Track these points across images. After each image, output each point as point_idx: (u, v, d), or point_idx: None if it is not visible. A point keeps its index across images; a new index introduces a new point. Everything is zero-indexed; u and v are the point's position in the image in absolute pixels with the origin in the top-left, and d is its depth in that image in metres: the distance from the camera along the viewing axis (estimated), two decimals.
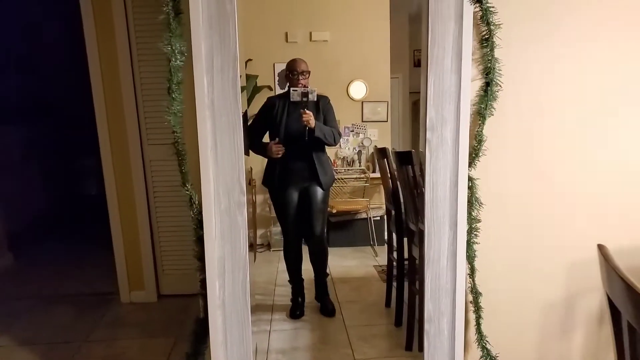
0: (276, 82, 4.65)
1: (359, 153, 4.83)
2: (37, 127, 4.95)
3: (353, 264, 4.11)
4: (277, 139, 2.82)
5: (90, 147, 3.71)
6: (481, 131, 1.63)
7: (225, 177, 1.58)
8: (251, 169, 4.20)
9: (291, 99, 2.72)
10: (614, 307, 0.90)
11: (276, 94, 4.55)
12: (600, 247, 0.91)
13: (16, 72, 4.55)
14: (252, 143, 2.92)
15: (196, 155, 1.57)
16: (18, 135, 4.51)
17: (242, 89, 2.99)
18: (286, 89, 2.91)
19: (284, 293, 3.38)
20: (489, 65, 1.58)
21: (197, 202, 1.61)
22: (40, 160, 4.96)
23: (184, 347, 2.61)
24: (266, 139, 2.98)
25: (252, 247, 4.21)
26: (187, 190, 1.61)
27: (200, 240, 1.63)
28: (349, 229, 4.60)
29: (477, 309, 1.76)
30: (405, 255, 2.78)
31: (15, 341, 2.80)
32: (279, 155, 2.80)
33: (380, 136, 4.90)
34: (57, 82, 5.30)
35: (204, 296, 1.69)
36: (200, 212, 1.61)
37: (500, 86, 1.61)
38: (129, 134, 3.09)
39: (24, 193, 4.54)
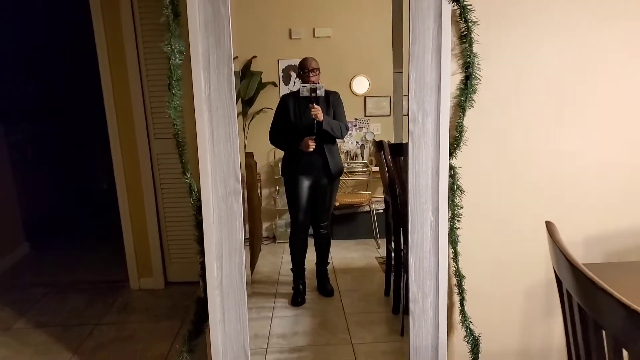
0: (280, 78, 4.76)
1: (362, 147, 4.92)
2: (51, 124, 5.13)
3: (355, 256, 4.22)
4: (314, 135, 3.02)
5: (101, 142, 3.87)
6: (462, 122, 1.72)
7: (221, 166, 1.70)
8: (256, 163, 4.32)
9: (300, 94, 2.93)
10: (559, 279, 1.00)
11: (281, 90, 4.68)
12: (548, 224, 1.01)
13: (30, 72, 4.72)
14: (276, 140, 3.20)
15: (195, 147, 1.69)
16: (33, 133, 4.68)
17: (245, 86, 3.12)
18: (291, 84, 3.13)
19: (286, 282, 3.50)
20: (468, 60, 1.67)
21: (196, 190, 1.74)
22: (55, 156, 5.14)
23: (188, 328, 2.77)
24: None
25: (250, 238, 4.34)
26: (187, 179, 1.73)
27: (199, 225, 1.75)
28: (352, 222, 4.70)
29: (461, 291, 1.86)
30: (402, 244, 2.88)
31: (32, 324, 2.97)
32: (311, 149, 3.01)
33: (383, 130, 4.98)
34: (68, 81, 5.48)
35: (204, 278, 1.81)
36: (199, 199, 1.73)
37: (480, 80, 1.71)
38: (136, 129, 3.23)
39: (39, 187, 4.72)
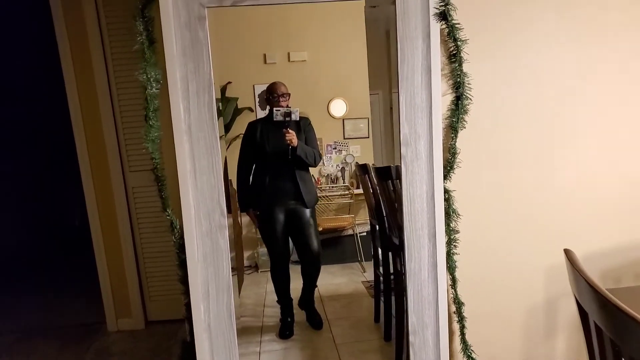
0: (257, 104, 4.68)
1: (342, 170, 4.85)
2: (19, 160, 4.92)
3: (342, 281, 4.11)
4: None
5: (72, 177, 3.70)
6: (454, 144, 1.67)
7: (205, 200, 1.59)
8: (235, 191, 4.20)
9: (274, 119, 2.77)
10: (582, 309, 0.93)
11: (257, 115, 4.59)
12: (567, 252, 0.95)
13: None
14: (241, 178, 3.04)
15: (175, 180, 1.59)
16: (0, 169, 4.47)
17: (220, 113, 3.02)
18: (266, 111, 2.97)
19: (272, 314, 3.36)
20: (459, 80, 1.63)
21: (178, 227, 1.62)
22: (23, 191, 4.91)
23: None
24: None
25: (239, 269, 4.19)
26: (168, 215, 1.62)
27: (182, 264, 1.63)
28: (336, 246, 4.60)
29: (461, 319, 1.78)
30: (391, 269, 2.80)
31: None
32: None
33: (363, 152, 4.93)
34: (35, 113, 5.28)
35: (190, 320, 1.68)
36: (182, 237, 1.62)
37: (471, 99, 1.66)
38: (110, 162, 3.09)
39: (5, 224, 4.48)
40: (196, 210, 1.59)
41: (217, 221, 1.60)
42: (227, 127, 4.39)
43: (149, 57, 1.49)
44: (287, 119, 2.74)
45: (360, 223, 4.65)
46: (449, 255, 1.72)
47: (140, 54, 1.50)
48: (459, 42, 1.60)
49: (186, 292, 1.65)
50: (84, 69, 2.98)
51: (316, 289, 3.26)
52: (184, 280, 1.65)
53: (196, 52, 1.51)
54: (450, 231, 1.70)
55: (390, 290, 2.86)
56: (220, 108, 4.18)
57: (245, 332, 3.16)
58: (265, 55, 4.69)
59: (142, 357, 2.88)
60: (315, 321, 3.12)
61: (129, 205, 3.16)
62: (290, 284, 3.16)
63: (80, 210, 3.27)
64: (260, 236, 4.47)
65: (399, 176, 2.22)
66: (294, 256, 3.14)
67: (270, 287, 3.33)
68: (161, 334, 3.15)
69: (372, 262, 4.38)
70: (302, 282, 3.18)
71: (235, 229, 3.67)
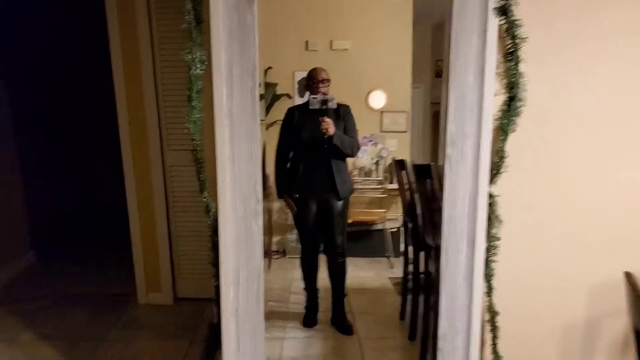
0: (295, 90, 4.66)
1: (377, 163, 4.79)
2: (63, 133, 5.07)
3: (369, 275, 4.08)
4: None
5: (111, 152, 3.78)
6: (503, 147, 1.59)
7: (241, 185, 1.58)
8: (269, 176, 4.21)
9: (310, 107, 2.71)
10: None
11: (295, 102, 4.57)
12: (628, 275, 0.88)
13: (40, 80, 4.66)
14: (279, 164, 3.00)
15: (214, 163, 1.57)
16: (44, 140, 4.61)
17: (261, 97, 3.00)
18: (305, 97, 2.90)
19: (298, 301, 3.37)
20: (513, 80, 1.54)
21: (213, 210, 1.62)
22: (65, 165, 5.06)
23: (198, 350, 2.63)
24: None
25: (267, 253, 4.21)
26: (205, 198, 1.61)
27: (215, 247, 1.63)
28: (365, 240, 4.57)
29: (494, 329, 1.72)
30: (421, 268, 2.75)
31: (36, 336, 2.86)
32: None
33: (399, 147, 4.86)
34: (80, 89, 5.42)
35: (218, 303, 1.68)
36: (216, 220, 1.61)
37: (524, 101, 1.58)
38: (149, 140, 3.13)
39: (48, 195, 4.63)
40: (232, 195, 1.58)
41: (253, 207, 1.59)
42: (265, 113, 4.39)
43: (195, 37, 1.47)
44: (324, 106, 2.67)
45: (391, 218, 4.59)
46: (487, 262, 1.65)
47: (187, 33, 1.48)
48: (517, 40, 1.52)
49: (216, 276, 1.65)
50: (131, 46, 3.01)
51: (347, 295, 3.15)
52: (216, 263, 1.64)
53: (243, 35, 1.48)
54: (490, 237, 1.63)
55: (419, 289, 2.81)
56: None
57: (270, 316, 3.18)
58: (307, 42, 4.65)
59: (170, 332, 2.94)
60: (343, 327, 3.01)
61: (165, 183, 3.20)
62: (319, 274, 3.14)
63: (119, 184, 3.33)
64: (290, 222, 4.50)
65: (438, 175, 2.16)
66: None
67: (297, 273, 3.33)
68: (189, 311, 3.20)
69: (400, 259, 4.34)
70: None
71: (265, 214, 3.67)
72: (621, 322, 1.80)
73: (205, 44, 1.49)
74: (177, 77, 2.92)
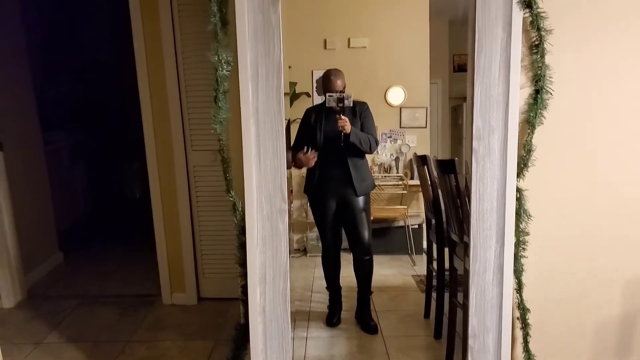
0: (314, 89, 4.67)
1: (397, 160, 4.77)
2: (86, 131, 5.15)
3: (390, 273, 4.05)
4: (306, 148, 2.80)
5: (135, 151, 3.82)
6: (530, 140, 1.57)
7: (267, 184, 1.59)
8: (291, 174, 4.23)
9: (327, 105, 2.71)
10: None
11: (314, 100, 4.58)
12: None
13: (68, 79, 4.75)
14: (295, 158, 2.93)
15: (240, 162, 1.59)
16: (68, 140, 4.69)
17: (285, 94, 3.01)
18: (323, 96, 2.90)
19: (320, 299, 3.36)
20: (539, 72, 1.52)
21: (240, 209, 1.63)
22: (89, 164, 5.15)
23: (222, 350, 2.66)
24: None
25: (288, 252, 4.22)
26: (232, 197, 1.62)
27: (242, 247, 1.64)
28: (386, 237, 4.54)
29: (525, 326, 1.69)
30: (446, 265, 2.72)
31: (63, 338, 2.91)
32: (312, 164, 2.78)
33: (419, 142, 4.83)
34: (105, 89, 5.50)
35: (245, 302, 1.70)
36: (243, 219, 1.62)
37: (551, 94, 1.55)
38: (174, 140, 3.16)
39: (73, 195, 4.72)
40: (258, 194, 1.59)
41: (278, 205, 1.60)
42: None
43: (221, 39, 1.48)
44: (340, 104, 2.67)
45: (412, 215, 4.56)
46: (517, 258, 1.63)
47: (212, 35, 1.50)
48: (542, 32, 1.49)
49: (243, 275, 1.67)
50: (154, 47, 3.05)
51: (373, 292, 3.13)
52: (242, 262, 1.66)
53: (267, 35, 1.49)
54: (519, 233, 1.61)
55: (444, 287, 2.78)
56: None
57: (292, 315, 3.17)
58: (325, 40, 4.65)
59: (194, 332, 2.97)
60: (368, 325, 2.98)
61: (189, 183, 3.23)
62: (341, 273, 3.13)
63: (143, 184, 3.37)
64: (310, 220, 4.51)
65: (462, 170, 2.14)
66: (346, 244, 3.10)
67: (319, 272, 3.33)
68: (212, 311, 3.22)
69: (422, 256, 4.31)
70: (352, 270, 3.10)
71: None
72: None
73: (231, 45, 1.50)
74: (201, 77, 2.95)
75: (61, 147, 4.46)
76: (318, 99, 4.58)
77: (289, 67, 4.54)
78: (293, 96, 4.50)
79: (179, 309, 3.31)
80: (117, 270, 4.05)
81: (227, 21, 1.49)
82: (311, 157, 2.79)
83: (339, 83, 2.81)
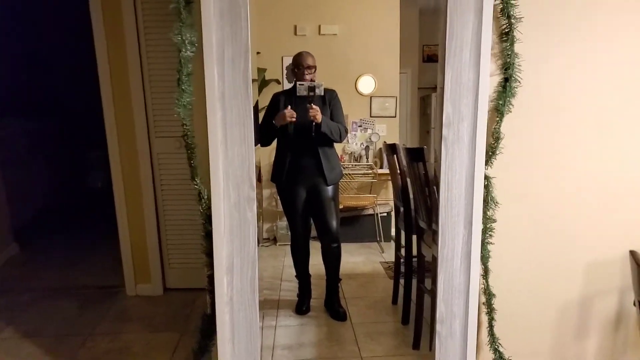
0: (284, 76, 4.60)
1: (367, 148, 4.77)
2: (44, 120, 4.94)
3: (359, 260, 4.07)
4: (288, 106, 2.70)
5: (97, 139, 3.68)
6: (499, 128, 1.58)
7: (234, 171, 1.54)
8: (259, 162, 4.17)
9: (297, 94, 2.65)
10: None
11: (283, 88, 4.51)
12: (633, 253, 0.87)
13: (24, 67, 4.53)
14: (263, 139, 2.88)
15: (205, 149, 1.53)
16: (25, 128, 4.49)
17: (253, 80, 2.96)
18: (293, 83, 2.85)
19: (290, 288, 3.35)
20: (508, 60, 1.53)
21: (206, 197, 1.58)
22: (47, 153, 4.95)
23: (189, 342, 2.60)
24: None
25: (257, 241, 4.18)
26: (197, 185, 1.57)
27: (208, 236, 1.59)
28: (355, 225, 4.57)
29: (490, 311, 1.72)
30: (414, 252, 2.74)
31: (20, 333, 2.79)
32: (293, 119, 2.66)
33: (389, 132, 4.85)
34: (64, 75, 5.28)
35: (212, 292, 1.65)
36: (209, 207, 1.57)
37: (520, 82, 1.56)
38: (136, 126, 3.06)
39: (31, 185, 4.53)
40: (225, 181, 1.54)
41: (246, 193, 1.56)
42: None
43: (185, 18, 1.42)
44: (311, 93, 2.62)
45: (381, 203, 4.59)
46: (483, 244, 1.65)
47: (175, 14, 1.43)
48: (512, 20, 1.50)
49: (210, 264, 1.62)
50: (115, 30, 2.92)
51: (341, 279, 3.13)
52: (209, 252, 1.61)
53: (234, 15, 1.43)
54: (486, 219, 1.63)
55: (411, 273, 2.81)
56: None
57: (262, 305, 3.14)
58: (295, 26, 4.58)
59: (160, 323, 2.90)
60: (336, 312, 2.99)
61: (153, 171, 3.14)
62: (310, 261, 3.12)
63: (104, 173, 3.25)
64: (279, 209, 4.47)
65: (430, 159, 2.15)
66: (314, 232, 3.09)
67: (288, 261, 3.31)
68: (179, 302, 3.16)
69: (390, 244, 4.35)
70: (321, 258, 3.09)
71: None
72: (613, 300, 1.82)
73: (196, 25, 1.44)
74: (165, 61, 2.85)
75: (14, 136, 4.26)
76: (288, 86, 4.52)
77: (258, 53, 4.46)
78: (262, 83, 4.43)
79: (144, 300, 3.23)
80: (79, 262, 3.92)
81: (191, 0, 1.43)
82: (291, 114, 2.67)
83: (309, 60, 2.77)
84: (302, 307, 3.04)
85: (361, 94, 4.78)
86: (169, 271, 3.31)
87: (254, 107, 1.56)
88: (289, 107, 2.73)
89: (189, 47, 1.44)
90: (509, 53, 1.53)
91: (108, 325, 2.89)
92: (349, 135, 4.72)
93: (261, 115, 4.24)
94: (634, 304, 1.72)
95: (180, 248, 3.26)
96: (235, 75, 1.47)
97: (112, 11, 2.90)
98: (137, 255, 3.24)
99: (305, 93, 2.62)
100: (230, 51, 1.46)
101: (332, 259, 3.01)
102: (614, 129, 1.70)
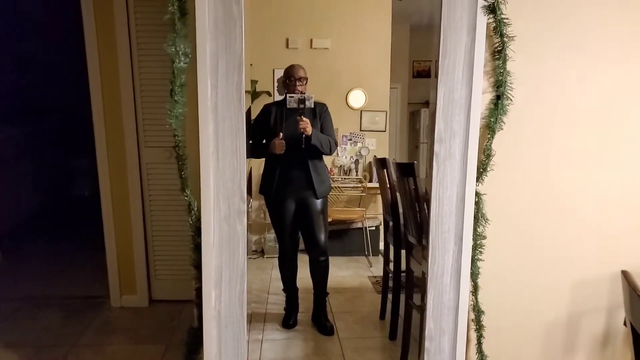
0: (275, 88, 4.61)
1: (356, 162, 4.79)
2: (31, 126, 4.87)
3: (347, 274, 4.06)
4: (280, 134, 2.72)
5: (85, 147, 3.64)
6: (490, 145, 1.59)
7: (225, 183, 1.53)
8: (250, 174, 4.15)
9: (287, 106, 2.66)
10: (638, 337, 0.86)
11: (274, 100, 4.52)
12: (625, 274, 0.88)
13: (12, 70, 4.48)
14: (251, 150, 2.87)
15: (196, 160, 1.52)
16: (11, 134, 4.42)
17: (246, 92, 2.96)
18: (284, 95, 2.85)
19: (276, 301, 3.32)
20: (501, 78, 1.54)
21: (196, 209, 1.56)
22: (33, 159, 4.88)
23: (174, 355, 2.56)
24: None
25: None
26: (187, 197, 1.55)
27: (197, 248, 1.58)
28: (343, 239, 4.55)
29: (479, 328, 1.72)
30: (403, 267, 2.74)
31: (0, 343, 2.72)
32: (283, 151, 2.70)
33: (378, 146, 4.87)
34: (54, 82, 5.23)
35: (199, 305, 1.63)
36: (198, 219, 1.56)
37: (511, 100, 1.58)
38: (126, 135, 3.03)
39: (16, 192, 4.45)
40: (216, 193, 1.52)
41: (237, 206, 1.54)
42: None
43: (179, 29, 1.41)
44: (302, 105, 2.62)
45: (370, 217, 4.59)
46: (473, 261, 1.65)
47: (170, 25, 1.43)
48: (505, 39, 1.52)
49: (198, 277, 1.60)
50: (107, 39, 2.91)
51: (329, 294, 3.10)
52: (197, 264, 1.59)
53: (229, 27, 1.44)
54: (476, 236, 1.63)
55: (400, 288, 2.80)
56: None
57: (248, 318, 3.11)
58: (287, 39, 4.61)
59: (145, 336, 2.85)
60: (324, 327, 2.95)
61: (142, 181, 3.11)
62: (298, 274, 3.10)
63: (92, 181, 3.21)
64: (268, 221, 4.44)
65: (420, 174, 2.15)
66: (302, 245, 3.07)
67: (276, 274, 3.29)
68: (165, 314, 3.11)
69: (378, 257, 4.34)
70: (308, 271, 3.07)
71: None
72: (600, 319, 1.83)
73: (190, 37, 1.44)
74: (157, 71, 2.84)
75: (1, 142, 4.20)
76: (279, 99, 4.53)
77: (250, 64, 4.47)
78: (254, 94, 4.44)
79: (129, 311, 3.17)
80: (64, 271, 3.84)
81: (186, 11, 1.42)
82: (282, 144, 2.70)
83: (301, 72, 2.78)
84: (289, 320, 3.01)
85: (352, 108, 4.81)
86: (155, 282, 3.26)
87: (245, 119, 1.55)
88: (279, 122, 2.75)
89: (182, 58, 1.44)
90: (501, 71, 1.55)
91: (91, 336, 2.83)
92: (338, 148, 4.74)
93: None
94: (624, 324, 1.73)
95: (168, 259, 3.22)
96: (228, 87, 1.47)
97: (105, 19, 2.89)
98: (123, 265, 3.19)
99: (295, 105, 2.63)
100: (224, 63, 1.46)
101: (320, 273, 2.99)
102: (604, 147, 1.72)
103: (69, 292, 3.42)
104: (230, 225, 1.55)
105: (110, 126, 3.01)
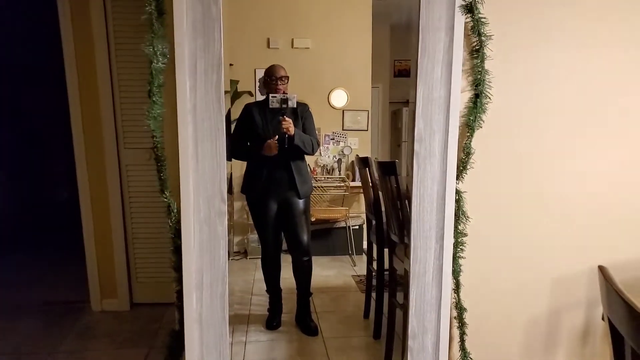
0: (257, 88, 4.59)
1: (339, 161, 4.79)
2: (5, 128, 4.76)
3: (331, 274, 4.06)
4: (276, 136, 2.71)
5: (62, 150, 3.58)
6: (469, 143, 1.61)
7: (205, 184, 1.51)
8: (231, 175, 4.13)
9: (270, 106, 2.64)
10: (616, 331, 0.87)
11: (255, 100, 4.50)
12: (601, 269, 0.89)
13: None
14: (235, 151, 2.86)
15: (175, 161, 1.50)
16: None
17: (226, 92, 2.94)
18: (265, 95, 2.84)
19: (260, 302, 3.30)
20: (479, 77, 1.56)
21: (175, 211, 1.54)
22: (10, 163, 4.77)
23: (156, 358, 2.53)
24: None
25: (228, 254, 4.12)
26: (166, 198, 1.53)
27: (177, 250, 1.56)
28: (327, 238, 4.56)
29: (462, 325, 1.73)
30: (386, 266, 2.75)
31: None
32: (276, 152, 2.70)
33: (361, 145, 4.89)
34: (29, 84, 5.12)
35: (180, 308, 1.61)
36: (178, 221, 1.54)
37: (490, 98, 1.60)
38: (105, 137, 2.98)
39: None
40: (195, 195, 1.51)
41: (217, 207, 1.53)
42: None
43: (157, 29, 1.39)
44: (284, 105, 2.61)
45: (353, 216, 4.60)
46: (455, 258, 1.66)
47: (147, 25, 1.41)
48: (483, 38, 1.53)
49: (179, 280, 1.58)
50: (84, 39, 2.86)
51: (312, 294, 3.10)
52: (178, 267, 1.57)
53: (207, 27, 1.42)
54: (457, 234, 1.64)
55: (383, 287, 2.81)
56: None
57: (231, 320, 3.09)
58: (268, 39, 4.59)
59: (127, 339, 2.80)
60: (308, 327, 2.95)
61: (121, 183, 3.06)
62: (281, 275, 3.08)
63: (70, 184, 3.15)
64: (251, 222, 4.42)
65: (402, 172, 2.16)
66: (285, 246, 3.06)
67: (259, 275, 3.27)
68: (146, 317, 3.07)
69: (362, 256, 4.36)
70: (292, 272, 3.06)
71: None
72: (580, 315, 1.86)
73: (168, 37, 1.42)
74: (136, 72, 2.80)
75: None
76: (260, 99, 4.51)
77: (230, 64, 4.44)
78: (235, 95, 4.41)
79: (110, 315, 3.12)
80: (42, 277, 3.77)
81: (163, 10, 1.41)
82: (274, 145, 2.70)
83: (281, 71, 2.77)
84: (272, 322, 3.00)
85: (334, 108, 4.81)
86: (137, 285, 3.22)
87: (225, 119, 1.54)
88: (263, 123, 2.73)
89: (160, 59, 1.42)
90: (480, 70, 1.56)
91: (72, 342, 2.77)
92: (321, 148, 4.74)
93: (234, 126, 4.22)
94: (602, 319, 1.77)
95: (149, 262, 3.18)
96: (207, 87, 1.45)
97: (82, 19, 2.84)
98: (103, 269, 3.13)
99: (277, 105, 2.62)
100: (202, 63, 1.44)
101: (303, 273, 2.99)
102: (581, 145, 1.75)
103: (48, 297, 3.36)
104: (211, 227, 1.54)
105: (88, 128, 2.96)
